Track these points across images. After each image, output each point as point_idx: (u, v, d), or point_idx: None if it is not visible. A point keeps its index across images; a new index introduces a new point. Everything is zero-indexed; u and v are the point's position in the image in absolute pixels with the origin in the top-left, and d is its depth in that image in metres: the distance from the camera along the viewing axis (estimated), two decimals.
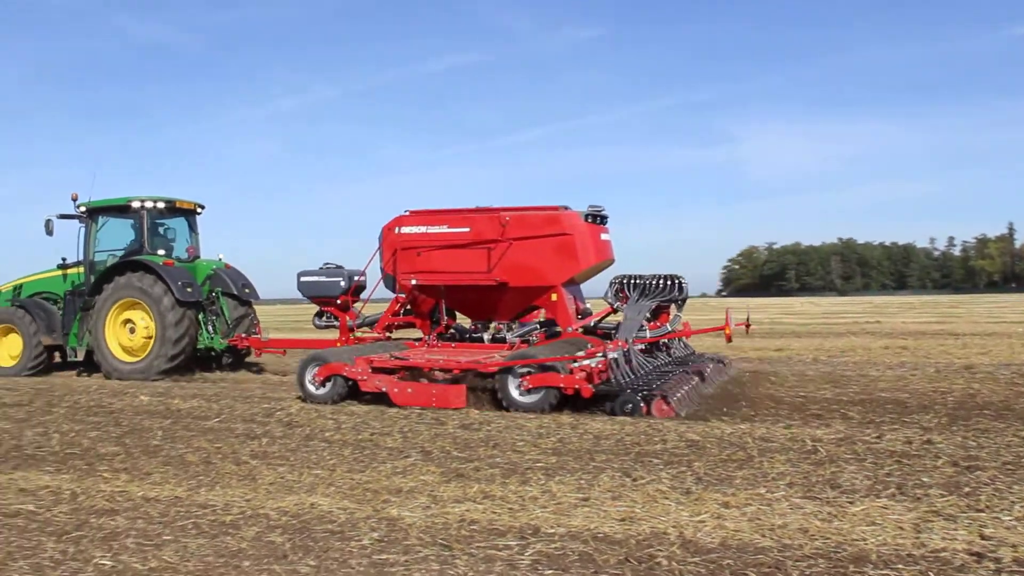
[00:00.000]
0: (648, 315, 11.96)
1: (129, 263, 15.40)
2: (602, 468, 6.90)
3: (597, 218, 12.66)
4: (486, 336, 12.67)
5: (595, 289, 13.27)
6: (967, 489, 6.03)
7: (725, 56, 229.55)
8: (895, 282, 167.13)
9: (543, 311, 12.73)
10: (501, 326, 12.70)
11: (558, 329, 12.27)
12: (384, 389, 10.85)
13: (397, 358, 11.31)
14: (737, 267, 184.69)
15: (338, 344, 13.39)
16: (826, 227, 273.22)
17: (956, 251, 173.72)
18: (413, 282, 12.64)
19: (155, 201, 16.04)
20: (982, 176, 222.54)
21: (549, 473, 6.77)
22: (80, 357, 15.94)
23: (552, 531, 5.21)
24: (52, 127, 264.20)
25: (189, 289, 15.03)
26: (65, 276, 16.70)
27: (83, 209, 16.23)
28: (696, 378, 11.17)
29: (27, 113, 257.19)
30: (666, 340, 12.66)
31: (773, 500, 5.81)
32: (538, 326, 12.63)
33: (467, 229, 12.34)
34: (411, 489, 6.36)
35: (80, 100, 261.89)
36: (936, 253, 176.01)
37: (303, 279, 14.13)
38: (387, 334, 13.71)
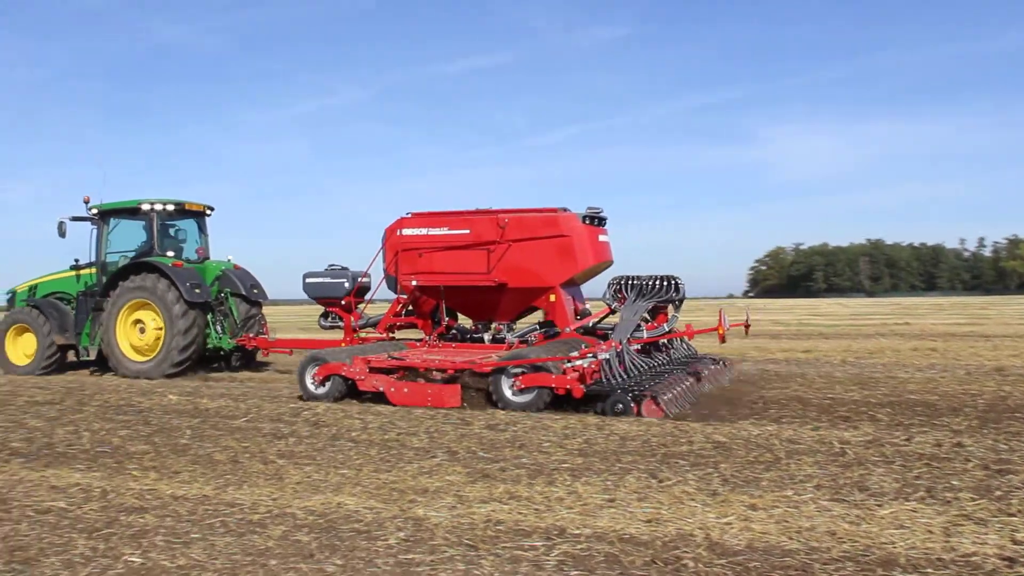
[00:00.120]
0: (647, 316, 12.11)
1: (139, 264, 15.68)
2: (628, 469, 6.88)
3: (595, 220, 12.77)
4: (486, 337, 12.79)
5: (596, 290, 13.39)
6: (998, 493, 5.97)
7: (751, 55, 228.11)
8: (924, 283, 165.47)
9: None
10: (501, 327, 12.83)
11: (557, 330, 12.38)
12: (381, 389, 11.05)
13: (394, 358, 11.49)
14: (764, 268, 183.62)
15: (343, 344, 13.52)
16: (854, 227, 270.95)
17: (987, 252, 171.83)
18: (414, 283, 12.82)
19: (164, 203, 16.33)
20: (1013, 176, 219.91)
21: (575, 474, 6.76)
22: (92, 356, 16.23)
23: (578, 532, 5.20)
24: (77, 127, 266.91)
25: (197, 290, 15.26)
26: (78, 277, 16.99)
27: (95, 211, 16.54)
28: (691, 379, 11.22)
29: (52, 113, 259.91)
30: (666, 340, 12.77)
31: (800, 502, 5.78)
32: (537, 327, 12.77)
33: (467, 231, 12.51)
34: (437, 489, 6.37)
35: (106, 101, 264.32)
36: (966, 254, 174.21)
37: (308, 280, 14.31)
38: (389, 334, 13.88)
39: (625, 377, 10.38)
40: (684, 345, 13.72)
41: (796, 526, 5.21)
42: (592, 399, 9.98)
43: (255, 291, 16.63)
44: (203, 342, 15.73)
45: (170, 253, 16.31)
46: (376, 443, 8.28)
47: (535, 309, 12.95)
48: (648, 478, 6.57)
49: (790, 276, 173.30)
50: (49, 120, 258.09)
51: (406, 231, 12.93)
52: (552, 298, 12.25)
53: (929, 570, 4.46)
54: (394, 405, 10.70)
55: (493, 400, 10.46)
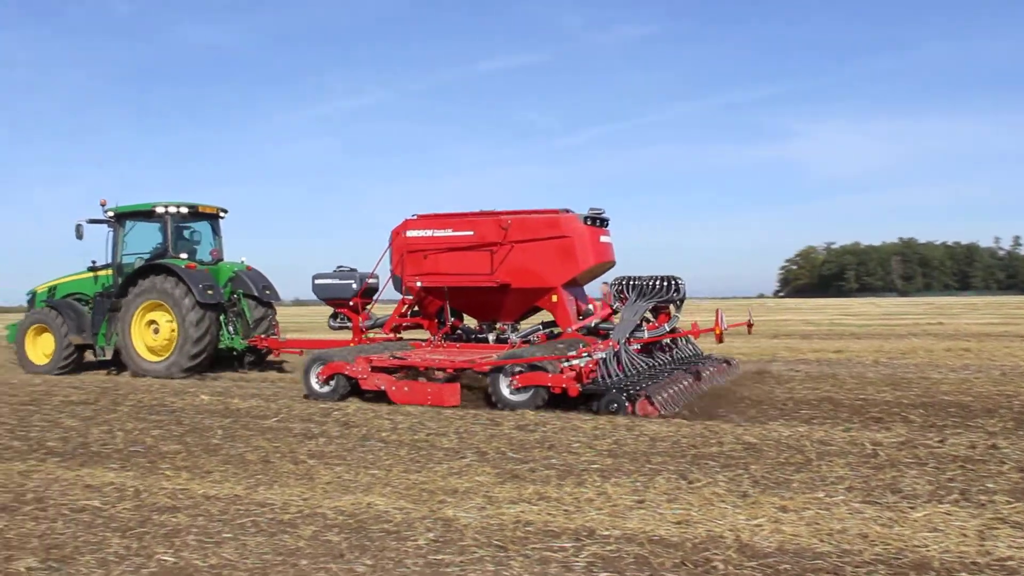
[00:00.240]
0: (650, 316, 12.27)
1: (153, 266, 15.92)
2: (658, 470, 6.86)
3: (597, 220, 12.85)
4: (491, 337, 12.91)
5: (596, 291, 13.47)
6: None
7: (783, 53, 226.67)
8: (958, 283, 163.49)
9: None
10: (505, 327, 12.95)
11: (560, 330, 12.53)
12: (383, 387, 11.25)
13: (396, 358, 11.69)
14: (795, 267, 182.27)
15: (352, 344, 13.64)
16: (886, 226, 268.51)
17: (1022, 251, 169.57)
18: (418, 284, 12.95)
19: (178, 206, 16.59)
20: None
21: (605, 475, 6.75)
22: (108, 356, 16.51)
23: (607, 533, 5.20)
24: (111, 129, 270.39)
25: (210, 291, 15.48)
26: (96, 278, 17.28)
27: (111, 214, 16.83)
28: (690, 378, 11.33)
29: (90, 116, 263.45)
30: (669, 340, 12.89)
31: (832, 504, 5.73)
32: (540, 327, 12.91)
33: (471, 232, 12.64)
34: (467, 490, 6.39)
35: (139, 102, 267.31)
36: (1001, 253, 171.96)
37: (317, 281, 14.42)
38: (396, 335, 14.08)
39: (621, 376, 10.47)
40: (689, 345, 13.79)
41: (827, 528, 5.17)
42: (589, 398, 10.09)
43: (267, 292, 16.85)
44: (215, 342, 15.99)
45: (183, 255, 16.54)
46: (406, 443, 8.31)
47: (539, 309, 13.07)
48: (678, 479, 6.55)
49: (821, 276, 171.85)
50: (86, 122, 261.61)
51: (411, 233, 13.08)
52: (554, 298, 12.39)
53: (963, 574, 4.41)
54: (394, 403, 10.94)
55: (491, 399, 10.66)
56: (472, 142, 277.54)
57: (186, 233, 17.35)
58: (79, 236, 16.70)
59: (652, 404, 9.70)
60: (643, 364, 11.34)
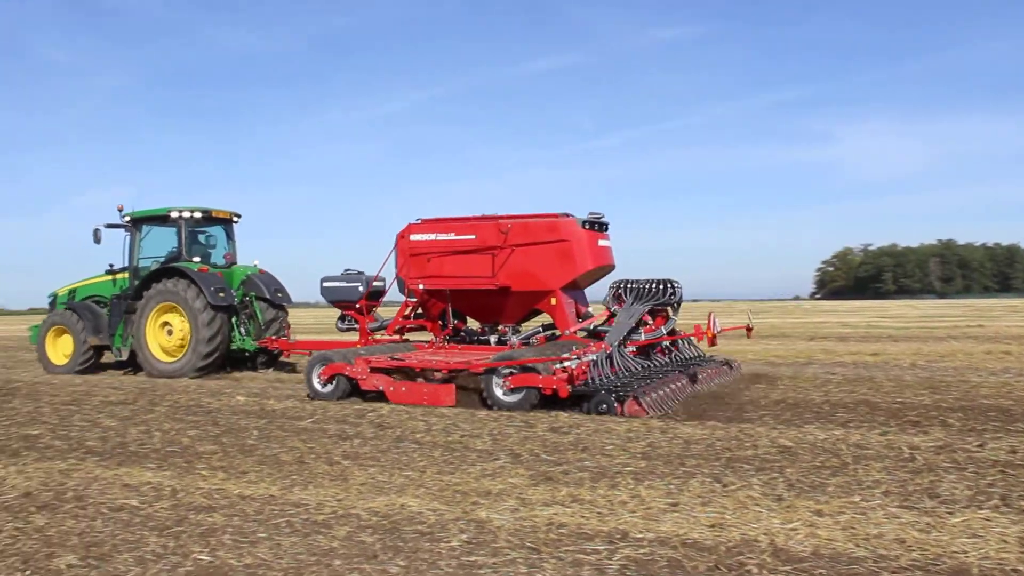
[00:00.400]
0: (647, 318, 12.53)
1: (167, 269, 16.41)
2: (692, 473, 6.83)
3: (596, 225, 13.02)
4: (492, 339, 13.15)
5: (599, 293, 13.68)
6: None
7: (820, 55, 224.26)
8: (998, 284, 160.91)
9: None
10: (506, 329, 13.17)
11: (559, 332, 12.76)
12: (381, 388, 11.58)
13: (394, 359, 11.97)
14: (831, 269, 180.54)
15: (359, 346, 13.88)
16: (924, 228, 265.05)
17: None
18: (421, 286, 13.23)
19: (192, 211, 17.03)
20: None
21: (638, 477, 6.73)
22: (124, 357, 16.95)
23: (641, 536, 5.18)
24: (148, 132, 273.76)
25: (221, 294, 15.89)
26: (114, 281, 17.79)
27: (128, 219, 17.34)
28: (684, 380, 11.50)
29: (135, 119, 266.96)
30: (669, 342, 13.13)
31: (868, 509, 5.67)
32: (541, 329, 13.16)
33: (472, 236, 12.90)
34: (500, 491, 6.39)
35: (178, 106, 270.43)
36: None
37: (325, 284, 14.69)
38: (401, 336, 14.42)
39: (612, 378, 10.65)
40: (691, 347, 13.94)
41: (863, 533, 5.12)
42: (580, 399, 10.26)
43: (279, 295, 17.26)
44: (227, 344, 16.40)
45: (196, 259, 17.00)
46: (440, 445, 8.33)
47: (540, 312, 13.27)
48: (712, 482, 6.51)
49: (858, 278, 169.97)
50: (131, 126, 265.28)
51: (415, 236, 13.36)
52: (553, 301, 12.60)
53: None
54: (393, 403, 11.26)
55: (485, 400, 10.93)
56: (505, 144, 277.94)
57: (201, 237, 17.83)
58: (97, 240, 17.22)
59: (640, 405, 9.92)
60: (637, 366, 11.57)
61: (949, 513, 5.53)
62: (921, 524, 5.29)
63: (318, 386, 12.18)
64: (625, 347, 11.72)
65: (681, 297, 12.79)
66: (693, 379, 11.82)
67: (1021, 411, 9.98)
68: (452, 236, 13.04)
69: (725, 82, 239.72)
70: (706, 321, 12.15)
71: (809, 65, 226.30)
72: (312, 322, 39.94)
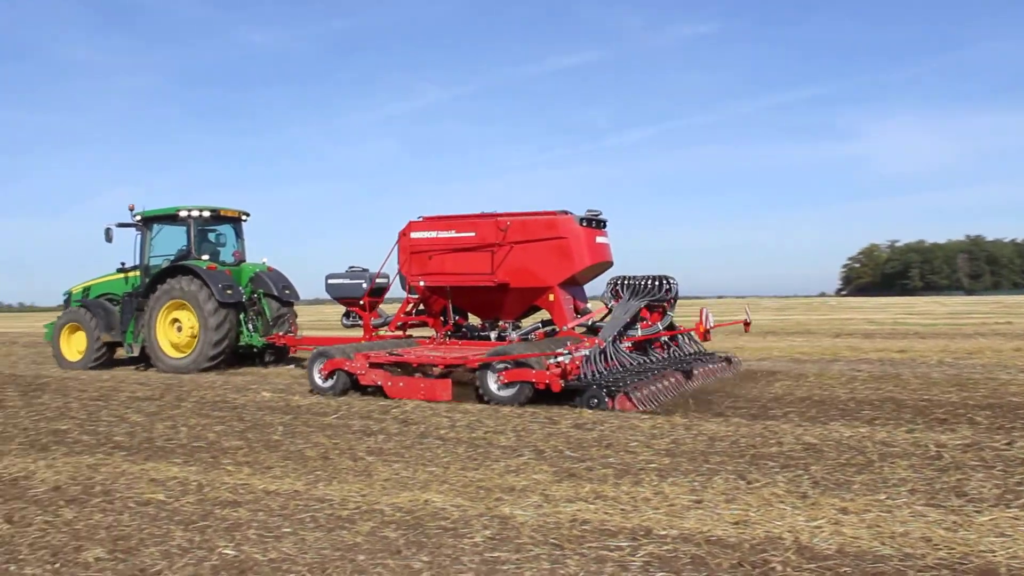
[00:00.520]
0: (645, 313, 12.76)
1: (177, 267, 16.73)
2: (716, 470, 6.81)
3: (593, 222, 13.18)
4: (492, 335, 13.35)
5: (598, 290, 13.86)
6: None
7: (844, 51, 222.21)
8: None
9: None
10: (506, 325, 13.37)
11: (557, 328, 12.93)
12: (379, 383, 11.81)
13: (392, 354, 12.25)
14: (857, 266, 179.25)
15: (363, 342, 14.07)
16: (953, 224, 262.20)
17: None
18: (422, 283, 13.47)
19: (201, 210, 17.36)
20: None
21: (662, 474, 6.72)
22: (136, 353, 17.29)
23: (664, 533, 5.17)
24: (172, 131, 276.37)
25: (229, 291, 16.23)
26: (127, 279, 18.13)
27: (139, 218, 17.67)
28: (679, 376, 11.62)
29: (155, 118, 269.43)
30: (667, 338, 13.26)
31: (894, 507, 5.64)
32: (540, 325, 13.29)
33: (472, 234, 13.11)
34: (524, 488, 6.40)
35: (201, 105, 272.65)
36: None
37: (330, 281, 14.96)
38: (404, 332, 14.68)
39: (605, 373, 10.81)
40: (692, 343, 14.03)
41: (889, 531, 5.09)
42: (573, 394, 10.42)
43: (287, 292, 17.55)
44: (235, 340, 16.74)
45: (205, 256, 17.35)
46: (464, 441, 8.35)
47: (540, 308, 13.41)
48: (736, 479, 6.49)
49: (885, 274, 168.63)
50: (151, 125, 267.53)
51: (416, 234, 13.57)
52: (551, 297, 12.77)
53: None
54: (391, 398, 11.48)
55: (481, 395, 11.12)
56: (520, 143, 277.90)
57: (210, 236, 18.20)
58: (108, 239, 17.53)
59: (630, 400, 10.06)
60: (632, 361, 11.68)
61: (977, 512, 5.49)
62: (948, 523, 5.25)
63: (319, 381, 12.41)
64: (621, 343, 11.89)
65: (677, 293, 12.95)
66: (688, 375, 11.94)
67: None
68: (452, 233, 13.26)
69: (747, 79, 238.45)
70: (700, 317, 12.19)
71: (834, 61, 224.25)
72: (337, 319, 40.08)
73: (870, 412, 9.85)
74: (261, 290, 17.27)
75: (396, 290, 14.63)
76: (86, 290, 18.83)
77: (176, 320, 16.68)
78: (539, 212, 12.88)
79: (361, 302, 14.64)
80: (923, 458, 7.12)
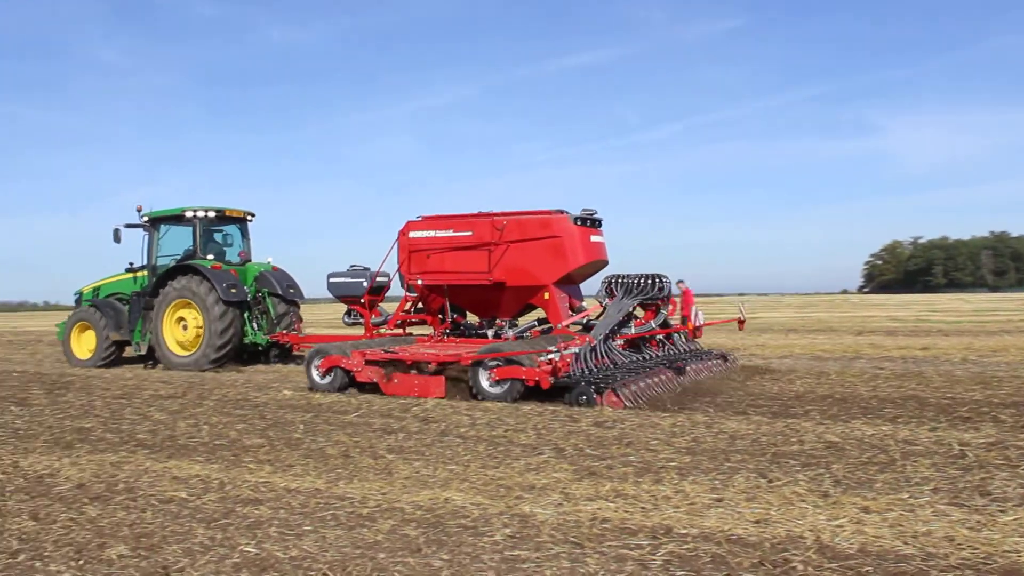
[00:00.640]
0: (637, 311, 13.03)
1: (183, 267, 17.04)
2: (737, 469, 6.79)
3: (588, 221, 13.32)
4: (490, 332, 13.52)
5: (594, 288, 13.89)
6: None
7: (868, 46, 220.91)
8: None
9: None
10: (503, 323, 13.53)
11: (548, 326, 13.12)
12: (375, 380, 12.05)
13: (387, 352, 12.41)
14: (880, 263, 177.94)
15: (364, 339, 14.24)
16: (976, 220, 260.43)
17: None
18: (420, 282, 13.67)
19: (206, 211, 17.67)
20: None
21: (683, 473, 6.70)
22: (143, 351, 17.61)
23: (685, 532, 5.16)
24: (195, 129, 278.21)
25: (233, 290, 16.49)
26: (135, 279, 18.44)
27: (146, 219, 17.99)
28: (670, 373, 11.72)
29: (176, 116, 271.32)
30: (663, 336, 13.45)
31: (916, 506, 5.60)
32: (536, 323, 13.51)
33: (469, 233, 13.29)
34: (544, 486, 6.40)
35: (222, 103, 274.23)
36: None
37: (332, 280, 15.11)
38: (404, 330, 14.97)
39: (594, 370, 10.93)
40: (689, 342, 14.20)
41: (912, 531, 5.05)
42: (563, 390, 10.57)
43: (291, 291, 17.83)
44: (240, 338, 16.97)
45: (211, 256, 17.60)
46: (484, 439, 8.36)
47: (536, 307, 13.54)
48: (757, 478, 6.47)
49: (907, 271, 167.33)
50: (172, 123, 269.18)
51: (414, 233, 13.77)
52: (546, 296, 12.94)
53: None
54: (386, 395, 11.75)
55: (472, 391, 11.32)
56: (547, 139, 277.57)
57: (217, 236, 18.50)
58: (116, 240, 17.90)
59: (617, 396, 10.16)
60: (624, 358, 11.78)
61: (1000, 511, 5.44)
62: (971, 522, 5.21)
63: (317, 378, 12.63)
64: (614, 340, 12.00)
65: (670, 292, 13.12)
66: (679, 372, 12.00)
67: None
68: (450, 233, 13.44)
69: (770, 74, 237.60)
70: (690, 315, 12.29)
71: (857, 56, 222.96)
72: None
73: (892, 410, 9.79)
74: (266, 289, 17.56)
75: (397, 289, 14.81)
76: (96, 290, 19.15)
77: (182, 319, 16.98)
78: (534, 211, 13.03)
79: (362, 300, 14.79)
80: (946, 457, 7.07)
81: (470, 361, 11.35)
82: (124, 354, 18.33)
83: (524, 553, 4.84)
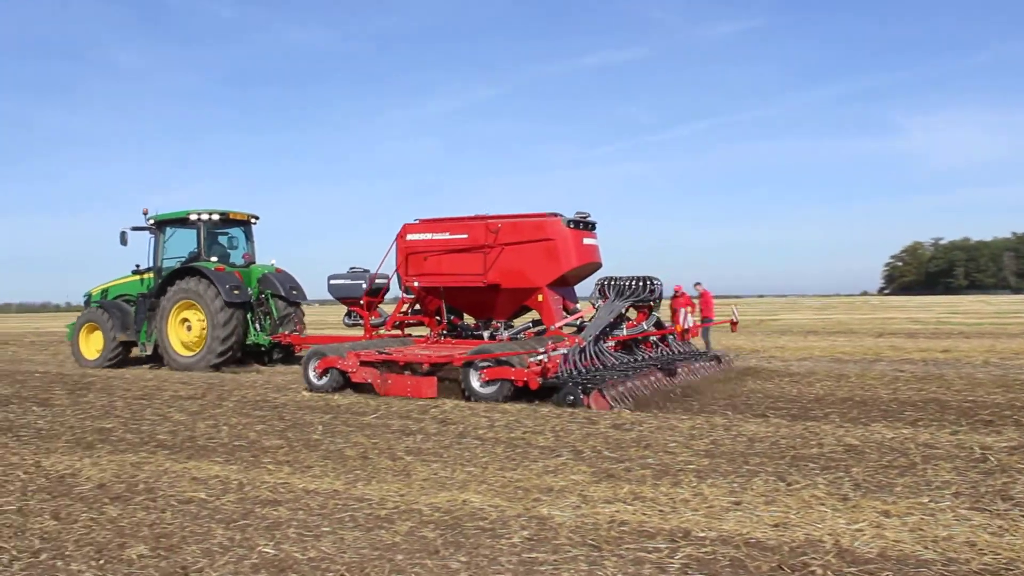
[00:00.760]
0: (631, 313, 13.17)
1: (187, 269, 17.26)
2: (755, 471, 6.76)
3: (581, 224, 13.40)
4: (486, 334, 13.60)
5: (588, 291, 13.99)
6: None
7: (889, 45, 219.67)
8: None
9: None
10: (499, 324, 13.62)
11: (543, 327, 13.21)
12: (369, 380, 12.21)
13: (381, 353, 12.60)
14: (900, 264, 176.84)
15: (363, 340, 14.34)
16: (999, 221, 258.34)
17: None
18: (417, 284, 13.81)
19: (210, 213, 17.88)
20: None
21: (701, 475, 6.68)
22: (149, 352, 17.80)
23: (703, 535, 5.14)
24: (217, 131, 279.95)
25: (236, 291, 16.69)
26: (142, 280, 18.65)
27: (152, 222, 18.23)
28: (660, 375, 11.85)
29: (200, 117, 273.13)
30: (657, 337, 13.56)
31: (937, 510, 5.56)
32: (531, 324, 13.55)
33: (465, 236, 13.41)
34: (562, 488, 6.39)
35: (244, 104, 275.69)
36: None
37: (332, 282, 15.25)
38: (402, 331, 15.12)
39: (583, 371, 11.05)
40: (683, 343, 14.22)
41: (932, 535, 5.02)
42: (552, 390, 10.74)
43: (294, 292, 18.04)
44: (243, 339, 17.18)
45: (215, 258, 17.78)
46: (502, 441, 8.36)
47: (530, 308, 13.63)
48: (776, 481, 6.44)
49: (928, 272, 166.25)
50: (199, 124, 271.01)
51: (411, 236, 13.90)
52: (540, 298, 13.06)
53: None
54: (380, 395, 11.91)
55: (464, 392, 11.47)
56: (566, 139, 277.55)
57: (221, 238, 18.72)
58: (123, 243, 18.14)
59: (604, 397, 10.26)
60: (615, 360, 11.87)
61: (1023, 516, 5.39)
62: (993, 527, 5.17)
63: (314, 379, 12.80)
64: (605, 342, 12.10)
65: (661, 294, 13.22)
66: (670, 373, 12.10)
67: None
68: (446, 236, 13.57)
69: (792, 75, 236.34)
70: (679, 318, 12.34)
71: (877, 56, 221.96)
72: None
73: (913, 413, 9.73)
74: (269, 290, 17.74)
75: (397, 290, 14.90)
76: (104, 291, 19.37)
77: (186, 320, 17.22)
78: (528, 214, 13.15)
79: (361, 302, 14.91)
80: (967, 460, 7.02)
81: (462, 362, 11.50)
82: (131, 355, 18.51)
83: (542, 555, 4.84)
